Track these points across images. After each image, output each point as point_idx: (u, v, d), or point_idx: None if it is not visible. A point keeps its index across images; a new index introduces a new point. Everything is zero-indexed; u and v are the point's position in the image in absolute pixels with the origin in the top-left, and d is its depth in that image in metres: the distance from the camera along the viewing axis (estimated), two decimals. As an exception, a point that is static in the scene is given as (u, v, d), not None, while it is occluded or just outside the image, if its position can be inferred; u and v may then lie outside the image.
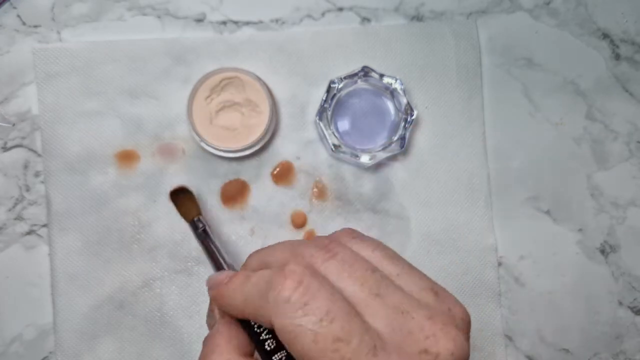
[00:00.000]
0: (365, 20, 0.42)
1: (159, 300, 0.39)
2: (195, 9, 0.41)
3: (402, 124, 0.39)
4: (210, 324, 0.25)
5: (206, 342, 0.23)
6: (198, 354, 0.39)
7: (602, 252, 0.42)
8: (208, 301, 0.40)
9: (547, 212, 0.41)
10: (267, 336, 0.22)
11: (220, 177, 0.40)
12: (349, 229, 0.24)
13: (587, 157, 0.42)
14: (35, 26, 0.41)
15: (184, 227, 0.40)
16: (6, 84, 0.40)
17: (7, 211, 0.40)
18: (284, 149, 0.41)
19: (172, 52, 0.40)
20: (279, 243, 0.24)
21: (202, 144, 0.38)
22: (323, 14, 0.42)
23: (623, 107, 0.42)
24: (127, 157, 0.40)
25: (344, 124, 0.40)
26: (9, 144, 0.40)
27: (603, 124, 0.42)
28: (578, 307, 0.41)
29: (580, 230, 0.41)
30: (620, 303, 0.41)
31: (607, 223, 0.42)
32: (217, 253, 0.34)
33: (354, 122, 0.40)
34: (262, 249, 0.24)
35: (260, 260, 0.24)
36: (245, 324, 0.23)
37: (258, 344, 0.23)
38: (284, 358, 0.21)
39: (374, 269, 0.21)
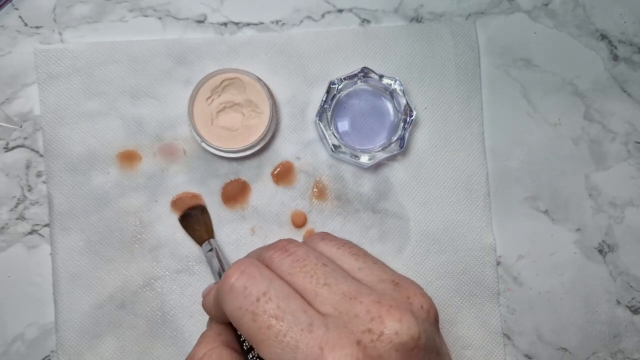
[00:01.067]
0: (364, 21, 0.42)
1: (160, 300, 0.40)
2: (196, 10, 0.41)
3: (402, 124, 0.39)
4: (208, 324, 0.29)
5: (200, 336, 0.26)
6: (199, 353, 0.39)
7: (600, 251, 0.42)
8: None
9: (546, 212, 0.42)
10: (243, 337, 0.25)
11: (221, 177, 0.41)
12: (323, 232, 0.27)
13: (585, 157, 0.42)
14: (37, 27, 0.41)
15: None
16: (8, 84, 0.40)
17: (9, 211, 0.40)
18: (284, 149, 0.41)
19: (173, 53, 0.41)
20: (255, 249, 0.27)
21: (203, 145, 0.39)
22: (323, 16, 0.42)
23: (621, 108, 0.42)
24: (128, 158, 0.40)
25: (343, 125, 0.40)
26: (11, 144, 0.40)
27: (601, 124, 0.42)
28: (576, 306, 0.41)
29: (578, 230, 0.42)
30: (618, 302, 0.42)
31: (605, 223, 0.42)
32: (220, 271, 0.37)
33: (353, 122, 0.41)
34: (248, 254, 0.27)
35: None
36: (233, 328, 0.26)
37: (240, 345, 0.25)
38: (256, 356, 0.24)
39: (326, 264, 0.23)
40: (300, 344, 0.20)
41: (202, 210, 0.40)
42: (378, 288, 0.23)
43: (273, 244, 0.25)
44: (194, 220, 0.39)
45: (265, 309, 0.21)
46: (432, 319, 0.23)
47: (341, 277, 0.23)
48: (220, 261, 0.38)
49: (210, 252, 0.38)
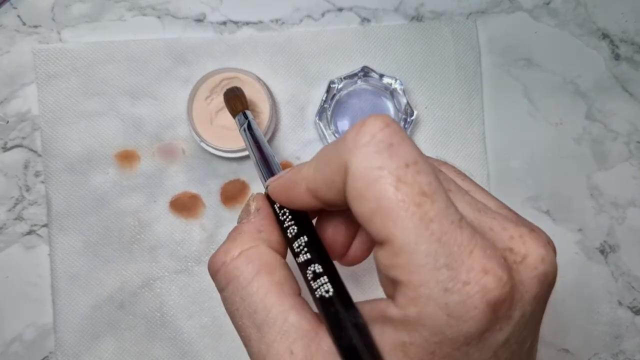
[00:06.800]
0: (365, 20, 0.42)
1: (159, 300, 0.40)
2: (195, 9, 0.41)
3: (402, 124, 0.39)
4: (241, 217, 0.23)
5: (232, 231, 0.21)
6: (198, 354, 0.39)
7: (602, 252, 0.42)
8: (208, 301, 0.40)
9: (547, 212, 0.42)
10: (289, 223, 0.21)
11: (220, 177, 0.40)
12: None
13: (586, 157, 0.42)
14: (36, 26, 0.41)
15: (184, 227, 0.40)
16: (6, 84, 0.40)
17: (7, 211, 0.40)
18: (283, 149, 0.41)
19: (173, 53, 0.40)
20: None
21: (202, 144, 0.38)
22: (323, 15, 0.42)
23: (623, 107, 0.42)
24: (127, 158, 0.40)
25: (343, 124, 0.40)
26: (9, 144, 0.40)
27: (603, 124, 0.42)
28: (578, 307, 0.41)
29: (580, 230, 0.42)
30: (620, 303, 0.41)
31: (607, 223, 0.42)
32: (265, 151, 0.29)
33: (353, 122, 0.40)
34: None
35: None
36: (277, 225, 0.22)
37: (286, 245, 0.21)
38: (302, 244, 0.20)
39: (449, 180, 0.19)
40: (449, 238, 0.16)
41: (237, 90, 0.36)
42: (502, 212, 0.18)
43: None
44: (233, 94, 0.36)
45: (416, 180, 0.16)
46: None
47: (462, 191, 0.18)
48: (258, 140, 0.31)
49: (242, 129, 0.33)
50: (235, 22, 0.41)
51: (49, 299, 0.40)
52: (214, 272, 0.21)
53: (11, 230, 0.40)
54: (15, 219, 0.40)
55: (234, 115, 0.35)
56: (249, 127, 0.33)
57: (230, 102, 0.36)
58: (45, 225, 0.40)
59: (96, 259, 0.40)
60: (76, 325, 0.39)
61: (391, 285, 0.17)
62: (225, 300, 0.20)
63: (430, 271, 0.16)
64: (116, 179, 0.40)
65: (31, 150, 0.40)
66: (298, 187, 0.20)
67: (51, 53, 0.40)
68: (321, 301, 0.18)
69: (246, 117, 0.34)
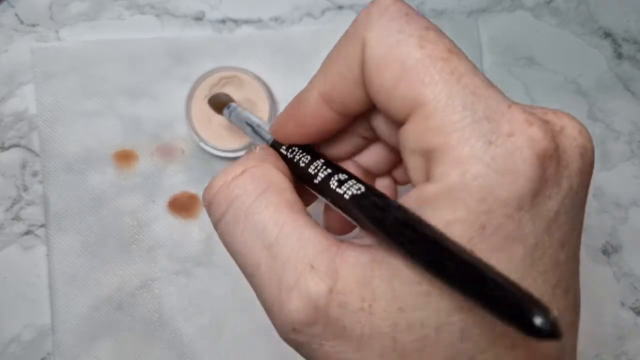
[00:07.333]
0: (365, 19, 0.42)
1: (158, 302, 0.39)
2: (194, 8, 0.41)
3: (403, 123, 0.39)
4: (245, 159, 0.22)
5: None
6: (197, 356, 0.39)
7: (604, 252, 0.41)
8: (207, 302, 0.40)
9: (549, 212, 0.41)
10: (300, 155, 0.20)
11: (219, 177, 0.40)
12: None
13: (588, 156, 0.42)
14: (33, 25, 0.40)
15: (182, 227, 0.40)
16: (4, 83, 0.40)
17: (4, 211, 0.40)
18: (283, 148, 0.40)
19: (171, 51, 0.40)
20: None
21: (201, 144, 0.38)
22: (323, 13, 0.41)
23: (625, 107, 0.42)
24: (125, 157, 0.40)
25: (343, 124, 0.40)
26: (7, 144, 0.40)
27: (604, 123, 0.42)
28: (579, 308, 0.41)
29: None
30: (622, 304, 0.41)
31: (609, 223, 0.41)
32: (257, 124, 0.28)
33: (354, 121, 0.40)
34: None
35: None
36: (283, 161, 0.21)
37: (296, 168, 0.20)
38: (320, 165, 0.19)
39: None
40: (483, 92, 0.15)
41: (222, 94, 0.36)
42: None
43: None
44: (217, 99, 0.36)
45: (440, 39, 0.16)
46: None
47: None
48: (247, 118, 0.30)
49: (231, 119, 0.33)
50: (235, 21, 0.41)
51: (46, 300, 0.39)
52: (210, 199, 0.18)
53: (9, 230, 0.40)
54: (13, 219, 0.40)
55: (220, 113, 0.34)
56: (234, 111, 0.32)
57: (213, 106, 0.35)
58: (43, 226, 0.40)
59: (94, 259, 0.39)
60: (74, 326, 0.39)
61: (424, 163, 0.15)
62: (224, 229, 0.18)
63: (470, 125, 0.14)
64: (114, 179, 0.40)
65: (29, 149, 0.40)
66: (308, 98, 0.19)
67: (49, 52, 0.40)
68: (353, 199, 0.16)
69: (230, 107, 0.33)
